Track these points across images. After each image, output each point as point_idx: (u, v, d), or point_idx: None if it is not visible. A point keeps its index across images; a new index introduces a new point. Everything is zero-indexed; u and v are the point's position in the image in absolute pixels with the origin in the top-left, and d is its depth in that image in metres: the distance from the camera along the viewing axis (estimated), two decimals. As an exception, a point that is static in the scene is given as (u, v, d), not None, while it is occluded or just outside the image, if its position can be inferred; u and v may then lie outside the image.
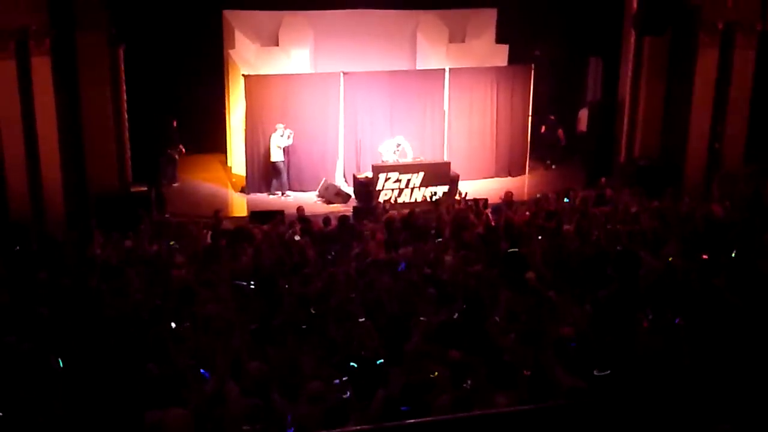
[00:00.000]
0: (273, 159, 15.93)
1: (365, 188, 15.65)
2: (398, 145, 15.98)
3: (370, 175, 15.76)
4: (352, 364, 7.01)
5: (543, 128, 18.64)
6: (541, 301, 8.36)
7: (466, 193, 13.74)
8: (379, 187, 15.53)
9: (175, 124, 16.57)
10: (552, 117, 18.91)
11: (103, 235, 11.32)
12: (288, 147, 16.08)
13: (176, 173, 16.70)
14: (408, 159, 16.01)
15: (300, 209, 12.99)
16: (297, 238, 11.10)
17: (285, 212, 13.51)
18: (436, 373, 6.60)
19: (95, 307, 8.48)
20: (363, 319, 7.91)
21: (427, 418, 4.01)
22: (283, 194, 16.05)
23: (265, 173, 16.19)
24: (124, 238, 11.25)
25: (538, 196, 13.37)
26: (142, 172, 15.16)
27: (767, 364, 6.33)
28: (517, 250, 10.24)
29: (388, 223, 11.76)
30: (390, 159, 15.98)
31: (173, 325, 7.75)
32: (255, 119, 16.02)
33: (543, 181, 17.23)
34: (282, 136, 15.88)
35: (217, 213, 12.57)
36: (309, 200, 15.67)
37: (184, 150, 16.87)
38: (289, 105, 16.21)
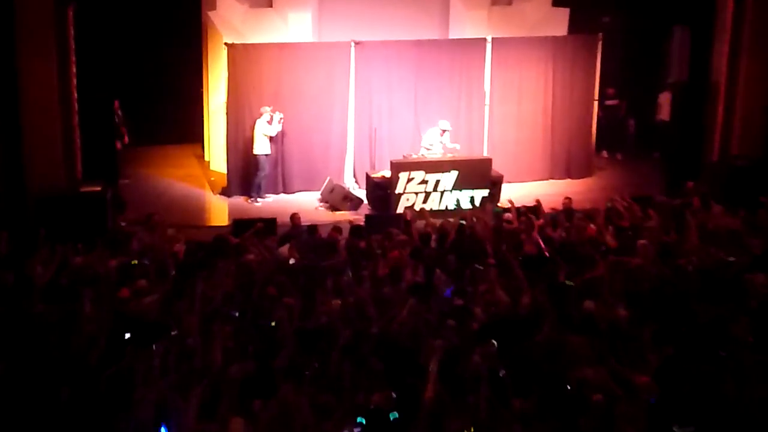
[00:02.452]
0: (256, 151, 15.96)
1: (382, 191, 15.71)
2: (443, 131, 16.10)
3: (387, 174, 15.76)
4: (360, 419, 7.21)
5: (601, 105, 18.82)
6: (608, 341, 8.59)
7: (521, 206, 13.69)
8: (399, 189, 15.52)
9: (117, 105, 16.44)
10: (610, 91, 19.01)
11: (48, 248, 11.31)
12: (278, 136, 16.16)
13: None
14: (456, 146, 16.19)
15: (295, 217, 13.06)
16: (291, 261, 11.21)
17: (277, 220, 13.63)
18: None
19: (37, 340, 8.57)
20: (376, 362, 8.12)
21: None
22: (258, 197, 16.13)
23: (252, 170, 16.36)
24: (74, 252, 11.30)
25: (608, 205, 13.37)
26: (95, 167, 15.16)
27: None
28: (575, 278, 10.33)
29: (423, 239, 11.91)
30: (437, 151, 16.14)
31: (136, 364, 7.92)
32: (240, 101, 16.07)
33: (612, 185, 17.18)
34: (270, 122, 15.92)
35: (151, 217, 12.55)
36: (308, 206, 15.74)
37: (126, 139, 16.88)
38: (285, 83, 16.25)
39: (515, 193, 15.41)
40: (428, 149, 16.21)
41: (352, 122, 16.87)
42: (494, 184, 16.01)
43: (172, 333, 8.58)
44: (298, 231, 12.70)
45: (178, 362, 8.06)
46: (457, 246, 11.72)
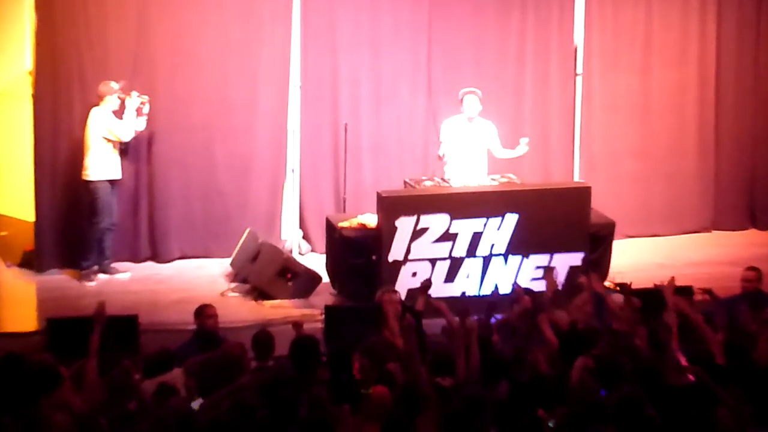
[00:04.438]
0: (92, 176, 15.95)
1: (360, 256, 15.44)
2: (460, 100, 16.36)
3: (372, 220, 15.56)
4: None
5: None
6: None
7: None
8: (397, 253, 15.06)
9: None
10: None
11: None
12: (139, 142, 16.27)
13: None
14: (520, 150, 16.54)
15: (205, 314, 12.93)
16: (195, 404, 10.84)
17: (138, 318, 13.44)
18: None
19: None
20: None
21: None
22: (99, 271, 16.16)
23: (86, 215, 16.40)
24: None
25: None
26: None
27: None
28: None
29: (438, 357, 11.58)
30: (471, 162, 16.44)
31: None
32: (61, 71, 16.23)
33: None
34: (120, 112, 15.93)
35: None
36: (206, 289, 15.57)
37: None
38: (155, 36, 16.53)
39: (637, 259, 16.17)
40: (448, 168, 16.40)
41: (296, 114, 16.98)
42: (598, 242, 15.76)
43: None
44: (208, 342, 12.58)
45: None
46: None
